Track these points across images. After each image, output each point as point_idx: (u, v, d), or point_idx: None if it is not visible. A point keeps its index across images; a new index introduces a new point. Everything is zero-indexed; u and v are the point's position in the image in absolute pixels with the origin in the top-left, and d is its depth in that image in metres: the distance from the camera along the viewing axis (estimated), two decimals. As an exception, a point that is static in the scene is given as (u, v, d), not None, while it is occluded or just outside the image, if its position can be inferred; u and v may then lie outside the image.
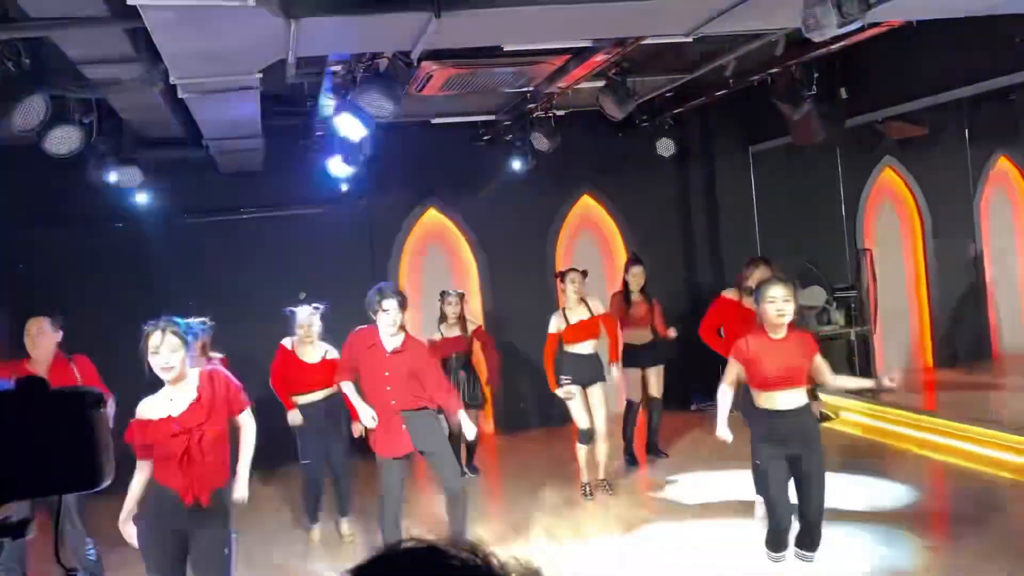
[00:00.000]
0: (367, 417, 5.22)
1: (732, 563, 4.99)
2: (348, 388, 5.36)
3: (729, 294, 6.22)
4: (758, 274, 5.58)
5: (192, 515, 3.77)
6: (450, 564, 0.82)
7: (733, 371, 4.50)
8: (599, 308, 6.72)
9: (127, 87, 4.83)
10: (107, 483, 1.26)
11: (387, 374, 5.13)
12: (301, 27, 3.63)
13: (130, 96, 5.18)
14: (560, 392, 6.54)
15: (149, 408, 3.80)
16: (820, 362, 4.45)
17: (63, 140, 5.20)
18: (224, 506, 3.90)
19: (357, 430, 5.83)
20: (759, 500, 5.69)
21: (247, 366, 6.51)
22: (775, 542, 4.45)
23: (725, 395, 4.57)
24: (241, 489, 4.07)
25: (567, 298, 6.66)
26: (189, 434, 3.73)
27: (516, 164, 8.32)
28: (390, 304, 5.07)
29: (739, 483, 6.04)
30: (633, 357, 7.29)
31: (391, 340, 5.16)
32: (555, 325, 6.63)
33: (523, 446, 8.46)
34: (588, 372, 6.57)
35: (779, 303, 4.28)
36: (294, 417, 6.07)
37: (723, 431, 4.57)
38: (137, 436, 3.78)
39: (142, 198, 7.75)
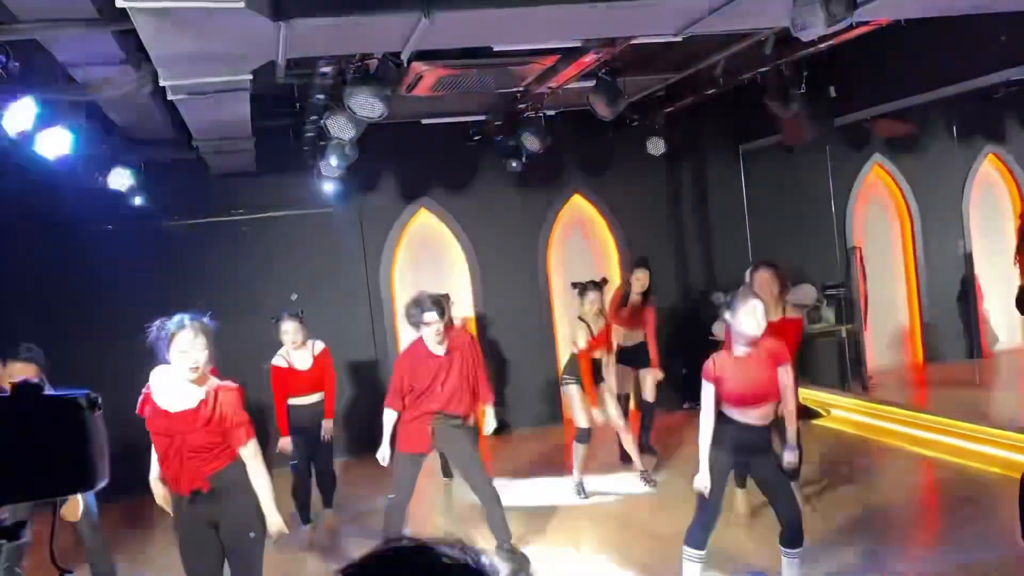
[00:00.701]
0: (384, 456, 5.24)
1: (721, 557, 5.00)
2: (389, 417, 5.27)
3: None
4: (759, 280, 5.44)
5: (203, 504, 3.76)
6: (440, 563, 0.83)
7: (711, 395, 4.26)
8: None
9: (117, 89, 4.82)
10: (102, 484, 1.26)
11: (442, 377, 5.20)
12: (291, 28, 3.63)
13: (120, 98, 5.17)
14: (565, 390, 6.66)
15: (161, 387, 3.75)
16: (785, 378, 4.25)
17: (53, 143, 5.18)
18: (233, 487, 3.79)
19: (383, 457, 5.34)
20: (740, 493, 5.74)
21: (237, 367, 6.50)
22: (696, 539, 4.34)
23: (707, 426, 4.27)
24: (274, 524, 3.87)
25: (586, 311, 6.57)
26: (172, 438, 3.71)
27: (507, 164, 8.33)
28: (431, 316, 5.14)
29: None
30: (624, 357, 7.30)
31: (439, 346, 5.24)
32: (584, 340, 6.50)
33: (512, 446, 8.46)
34: (598, 375, 6.61)
35: (758, 316, 4.14)
36: (284, 444, 6.08)
37: (704, 478, 4.25)
38: (146, 413, 3.76)
39: (133, 200, 7.73)
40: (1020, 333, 8.33)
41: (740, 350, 4.23)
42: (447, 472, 7.11)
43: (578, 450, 6.60)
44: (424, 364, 5.21)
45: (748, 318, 4.14)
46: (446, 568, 0.83)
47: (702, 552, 4.36)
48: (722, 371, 4.24)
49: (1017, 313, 8.01)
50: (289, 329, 6.05)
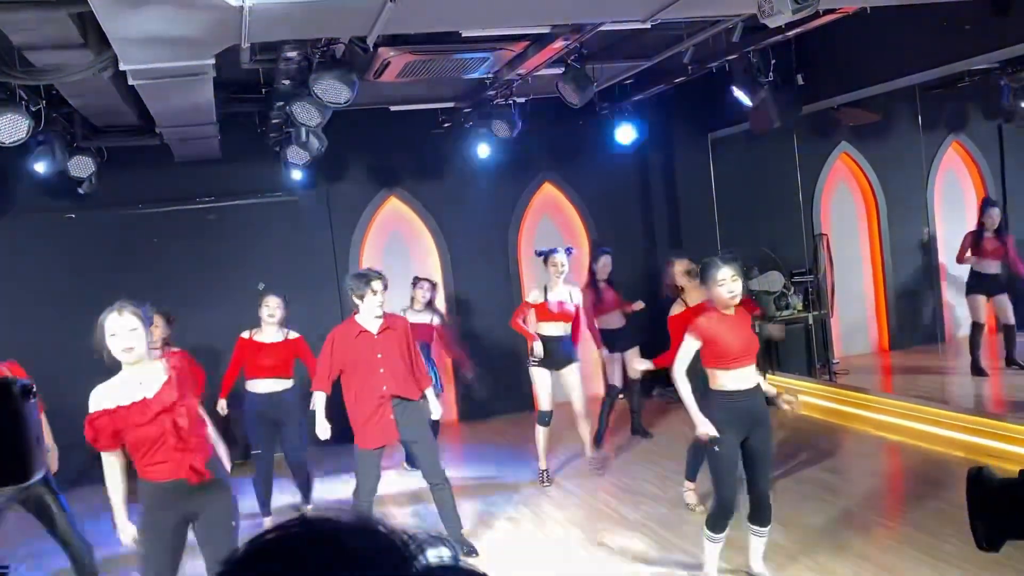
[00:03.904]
0: (324, 431, 5.21)
1: (701, 547, 5.04)
2: (320, 399, 5.22)
3: (677, 309, 5.84)
4: (680, 269, 5.65)
5: (198, 493, 3.64)
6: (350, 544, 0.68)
7: (691, 352, 4.37)
8: (578, 298, 6.67)
9: (75, 73, 4.71)
10: (38, 477, 1.21)
11: (380, 356, 5.08)
12: (253, 11, 3.57)
13: (79, 83, 5.05)
14: (532, 368, 6.62)
15: (111, 396, 3.54)
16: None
17: (10, 128, 5.07)
18: (222, 476, 3.79)
19: (324, 433, 5.38)
20: (687, 486, 5.81)
21: (206, 356, 6.44)
22: (719, 524, 4.40)
23: (686, 384, 4.38)
24: (228, 461, 3.94)
25: (552, 278, 6.57)
26: (171, 412, 3.54)
27: (477, 151, 8.29)
28: (379, 285, 5.06)
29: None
30: (610, 342, 7.30)
31: (375, 322, 5.12)
32: (533, 297, 6.67)
33: (483, 435, 8.46)
34: (558, 355, 6.53)
35: (729, 283, 4.29)
36: (221, 405, 6.08)
37: (705, 424, 4.32)
38: (106, 426, 3.52)
39: (94, 187, 7.59)
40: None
41: (727, 311, 4.35)
42: (412, 462, 7.08)
43: (540, 433, 6.58)
44: (357, 343, 5.08)
45: (721, 288, 4.29)
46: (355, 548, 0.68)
47: (721, 535, 4.41)
48: (715, 328, 4.30)
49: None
50: (271, 304, 6.03)
